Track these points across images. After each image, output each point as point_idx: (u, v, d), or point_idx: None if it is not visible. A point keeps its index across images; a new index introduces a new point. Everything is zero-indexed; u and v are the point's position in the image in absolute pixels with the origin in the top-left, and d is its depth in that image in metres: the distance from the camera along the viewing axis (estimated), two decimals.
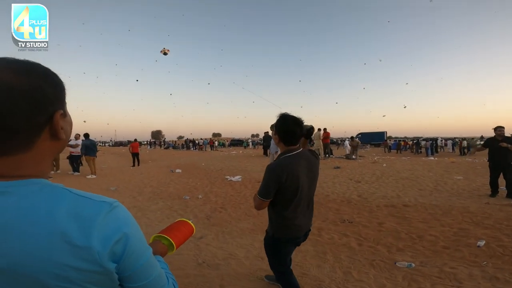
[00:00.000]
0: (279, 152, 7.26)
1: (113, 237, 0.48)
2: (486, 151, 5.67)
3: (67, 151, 9.59)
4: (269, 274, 2.50)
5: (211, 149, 30.79)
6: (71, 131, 0.59)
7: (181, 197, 6.08)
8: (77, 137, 9.45)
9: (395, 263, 2.86)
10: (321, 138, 12.37)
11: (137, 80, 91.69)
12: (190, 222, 1.11)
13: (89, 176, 8.71)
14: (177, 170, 10.08)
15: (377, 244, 3.42)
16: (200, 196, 6.13)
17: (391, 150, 27.16)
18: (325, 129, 12.96)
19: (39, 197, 0.47)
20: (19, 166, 0.49)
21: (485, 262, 2.82)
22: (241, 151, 23.55)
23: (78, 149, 9.24)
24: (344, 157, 13.33)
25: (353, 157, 12.76)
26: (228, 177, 8.36)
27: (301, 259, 2.98)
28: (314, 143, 12.40)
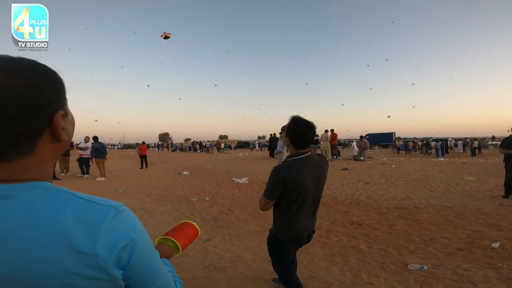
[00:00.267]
0: (284, 153, 7.25)
1: (120, 243, 0.45)
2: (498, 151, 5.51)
3: (76, 153, 9.76)
4: (276, 277, 2.47)
5: (218, 151, 30.89)
6: (73, 131, 0.56)
7: (188, 199, 6.09)
8: (86, 140, 9.61)
9: (407, 266, 2.80)
10: (329, 139, 12.24)
11: (148, 85, 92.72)
12: (195, 224, 1.10)
13: (99, 179, 8.84)
14: (185, 172, 10.13)
15: (387, 246, 3.35)
16: (207, 198, 6.13)
17: (400, 151, 26.74)
18: (332, 130, 12.83)
19: (43, 201, 0.44)
20: (20, 170, 0.46)
21: (500, 264, 2.73)
22: (247, 153, 23.55)
23: (88, 152, 9.39)
24: (352, 158, 13.17)
25: (361, 158, 12.59)
26: (235, 179, 8.36)
27: (309, 261, 2.93)
28: (321, 145, 12.31)
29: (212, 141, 37.32)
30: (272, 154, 14.25)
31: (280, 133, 1.78)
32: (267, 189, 1.65)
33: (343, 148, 27.11)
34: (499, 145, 5.79)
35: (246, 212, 5.04)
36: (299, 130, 1.65)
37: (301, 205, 1.66)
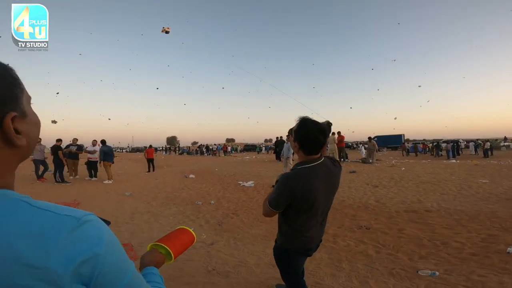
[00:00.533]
0: (291, 157, 7.12)
1: (78, 258, 0.41)
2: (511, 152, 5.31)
3: (85, 156, 9.90)
4: (280, 283, 2.39)
5: (225, 155, 30.96)
6: (37, 133, 0.52)
7: (193, 203, 6.06)
8: (94, 143, 9.74)
9: (417, 272, 2.69)
10: (336, 142, 12.08)
11: (157, 88, 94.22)
12: (191, 230, 1.07)
13: (106, 182, 8.92)
14: (191, 176, 10.14)
15: (397, 251, 3.23)
16: (212, 202, 6.10)
17: (410, 153, 26.24)
18: (339, 132, 12.68)
19: None
20: None
21: None
22: (254, 156, 23.50)
23: (96, 155, 9.52)
24: (360, 161, 12.96)
25: (370, 160, 12.36)
26: (241, 182, 8.31)
27: (314, 267, 2.84)
28: (328, 148, 12.16)
29: (219, 144, 37.42)
30: (278, 157, 14.16)
31: (287, 136, 1.52)
32: (273, 197, 1.48)
33: (351, 149, 26.75)
34: None
35: (251, 216, 4.97)
36: (308, 133, 1.44)
37: (311, 215, 1.50)
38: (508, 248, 3.03)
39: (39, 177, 8.95)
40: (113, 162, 9.59)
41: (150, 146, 14.68)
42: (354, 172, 9.31)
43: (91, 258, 0.42)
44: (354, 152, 24.53)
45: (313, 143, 1.46)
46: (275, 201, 1.47)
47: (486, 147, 20.64)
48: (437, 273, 2.64)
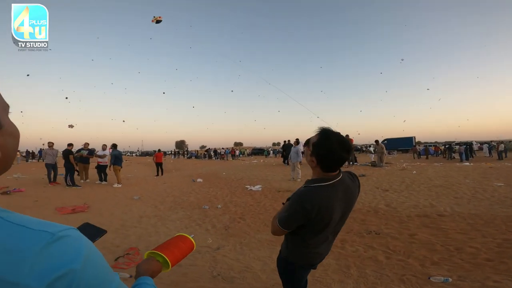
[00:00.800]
0: (300, 160, 6.97)
1: (53, 273, 0.40)
2: None
3: (95, 160, 10.09)
4: None
5: (233, 158, 31.01)
6: (15, 144, 0.49)
7: (200, 207, 6.06)
8: (104, 147, 9.92)
9: (429, 278, 2.59)
10: None
11: (163, 93, 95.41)
12: (190, 237, 1.05)
13: (115, 185, 9.04)
14: (199, 180, 10.18)
15: (408, 257, 3.12)
16: (219, 206, 6.08)
17: (421, 156, 25.66)
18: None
19: None
20: None
21: None
22: (262, 160, 23.45)
23: (106, 159, 9.69)
24: (370, 164, 12.74)
25: (381, 164, 12.13)
26: (248, 186, 8.28)
27: (321, 273, 2.77)
28: None
29: (227, 148, 37.53)
30: (285, 161, 14.08)
31: (304, 146, 1.31)
32: (284, 216, 1.32)
33: (359, 153, 26.37)
34: None
35: (258, 221, 4.92)
36: (331, 149, 1.24)
37: (324, 234, 1.37)
38: None
39: (51, 180, 9.15)
40: (121, 167, 9.74)
41: (159, 150, 14.85)
42: (363, 175, 9.16)
43: (66, 274, 0.40)
44: (363, 156, 24.19)
45: (335, 161, 1.26)
46: (286, 221, 1.32)
47: (500, 149, 19.97)
48: (450, 279, 2.54)
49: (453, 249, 3.25)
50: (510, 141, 32.64)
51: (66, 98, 59.37)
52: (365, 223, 4.46)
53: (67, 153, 8.98)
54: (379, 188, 7.17)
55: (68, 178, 8.78)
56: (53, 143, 9.29)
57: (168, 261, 0.88)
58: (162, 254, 0.88)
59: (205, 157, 35.77)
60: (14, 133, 0.49)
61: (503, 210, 4.58)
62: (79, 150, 9.75)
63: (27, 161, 28.49)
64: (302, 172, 9.26)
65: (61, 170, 9.53)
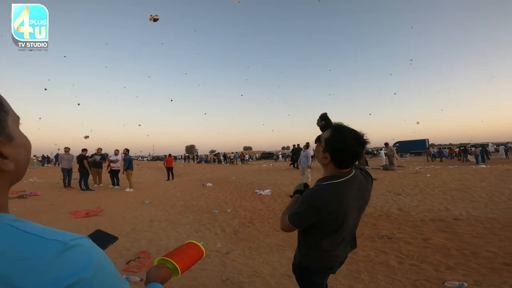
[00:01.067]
0: (309, 164, 6.88)
1: (64, 282, 0.41)
2: None
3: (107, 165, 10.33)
4: None
5: (242, 163, 31.04)
6: (27, 155, 0.50)
7: (210, 211, 6.08)
8: (116, 153, 10.14)
9: (444, 283, 2.52)
10: None
11: (171, 100, 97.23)
12: (200, 245, 1.06)
13: (127, 190, 9.21)
14: (208, 184, 10.24)
15: (421, 262, 3.04)
16: (228, 210, 6.09)
17: (435, 159, 24.98)
18: None
19: None
20: None
21: None
22: (271, 164, 23.38)
23: (118, 164, 9.90)
24: (381, 167, 12.50)
25: (394, 167, 11.88)
26: (257, 190, 8.26)
27: (331, 278, 2.72)
28: None
29: (237, 153, 37.65)
30: (294, 165, 13.99)
31: (315, 142, 1.24)
32: (294, 213, 1.27)
33: (370, 157, 25.90)
34: None
35: (267, 225, 4.90)
36: (345, 144, 1.20)
37: (339, 235, 1.30)
38: None
39: (66, 185, 9.40)
40: (132, 170, 9.95)
41: (170, 155, 15.04)
42: (375, 179, 8.95)
43: (77, 282, 0.41)
44: (375, 159, 23.76)
45: (350, 156, 1.22)
46: (296, 218, 1.27)
47: None
48: (466, 284, 2.46)
49: (469, 254, 3.14)
50: None
51: (79, 104, 61.21)
52: (376, 227, 4.37)
53: (81, 158, 9.23)
54: (391, 192, 7.02)
55: (82, 183, 9.01)
56: (69, 148, 9.57)
57: (178, 268, 0.89)
58: (172, 261, 0.89)
59: (214, 161, 35.97)
60: (25, 144, 0.50)
61: None
62: (92, 155, 10.01)
63: (43, 165, 29.34)
64: (312, 176, 9.18)
65: (75, 175, 9.79)
